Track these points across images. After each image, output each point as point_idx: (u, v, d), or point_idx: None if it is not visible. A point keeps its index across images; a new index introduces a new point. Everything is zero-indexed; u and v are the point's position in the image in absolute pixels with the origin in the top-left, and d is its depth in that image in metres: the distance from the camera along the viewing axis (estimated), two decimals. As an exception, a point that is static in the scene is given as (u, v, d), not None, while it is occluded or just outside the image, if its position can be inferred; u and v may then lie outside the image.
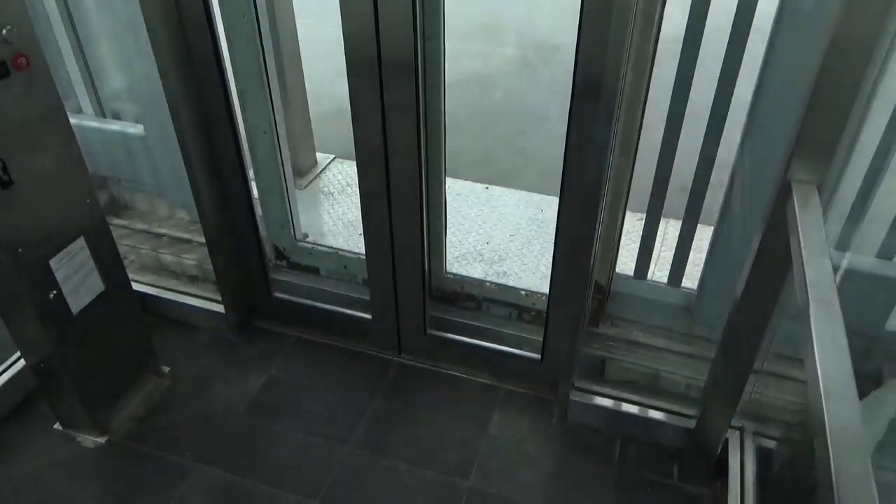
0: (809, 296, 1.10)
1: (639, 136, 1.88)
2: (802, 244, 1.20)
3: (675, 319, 2.22)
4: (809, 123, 1.29)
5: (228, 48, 2.04)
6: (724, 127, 1.81)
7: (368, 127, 1.89)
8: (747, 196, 1.84)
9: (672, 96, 1.81)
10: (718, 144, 1.84)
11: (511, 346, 2.26)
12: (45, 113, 1.69)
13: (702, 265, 2.08)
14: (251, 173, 2.28)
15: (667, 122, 1.86)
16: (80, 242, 1.86)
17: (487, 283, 2.34)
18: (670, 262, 2.15)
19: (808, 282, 1.12)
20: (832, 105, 1.25)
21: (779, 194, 1.35)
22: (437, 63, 1.88)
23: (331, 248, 2.49)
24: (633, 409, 2.06)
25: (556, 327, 2.08)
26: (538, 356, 2.18)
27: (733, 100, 1.76)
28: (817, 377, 0.98)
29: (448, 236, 2.29)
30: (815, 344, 1.02)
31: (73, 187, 1.81)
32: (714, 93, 1.76)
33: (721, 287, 1.98)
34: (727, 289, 1.68)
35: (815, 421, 0.97)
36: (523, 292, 2.31)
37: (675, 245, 2.11)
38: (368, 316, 2.32)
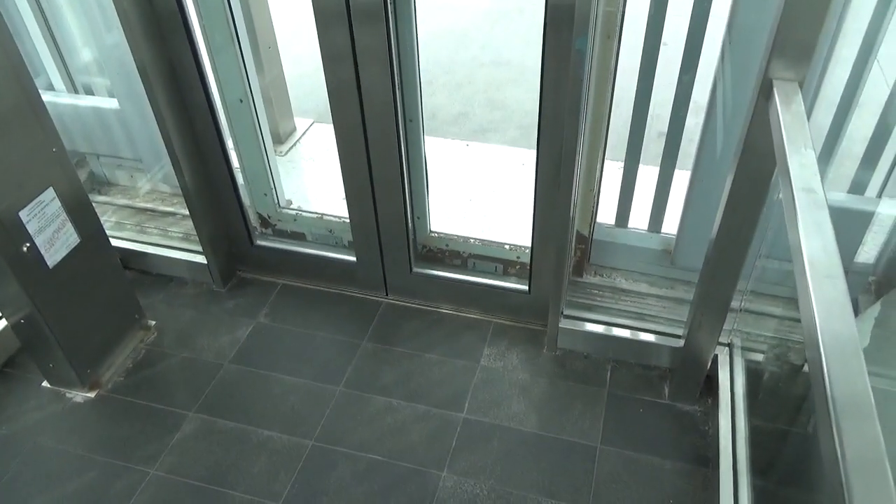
0: (793, 185, 1.09)
1: (614, 79, 1.85)
2: (786, 139, 1.19)
3: (655, 264, 2.26)
4: (788, 19, 1.26)
5: (196, 12, 1.98)
6: (700, 51, 1.79)
7: (341, 76, 1.87)
8: (728, 112, 1.83)
9: (646, 30, 1.78)
10: (696, 72, 1.82)
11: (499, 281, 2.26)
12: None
13: (680, 209, 2.09)
14: (230, 142, 2.26)
15: (641, 60, 1.85)
16: (50, 193, 1.81)
17: (472, 240, 2.34)
18: (650, 209, 2.17)
19: (791, 173, 1.11)
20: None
21: (760, 93, 1.32)
22: (408, 8, 1.83)
23: (315, 213, 2.47)
24: (622, 333, 2.08)
25: (542, 255, 2.06)
26: (526, 287, 2.17)
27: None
28: (804, 263, 0.97)
29: (431, 195, 2.29)
30: (800, 231, 1.01)
31: (35, 135, 1.75)
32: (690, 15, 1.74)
33: (699, 228, 2.00)
34: (705, 229, 1.69)
35: (804, 308, 0.97)
36: (507, 246, 2.30)
37: (654, 191, 2.13)
38: (353, 258, 2.30)
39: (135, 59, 1.90)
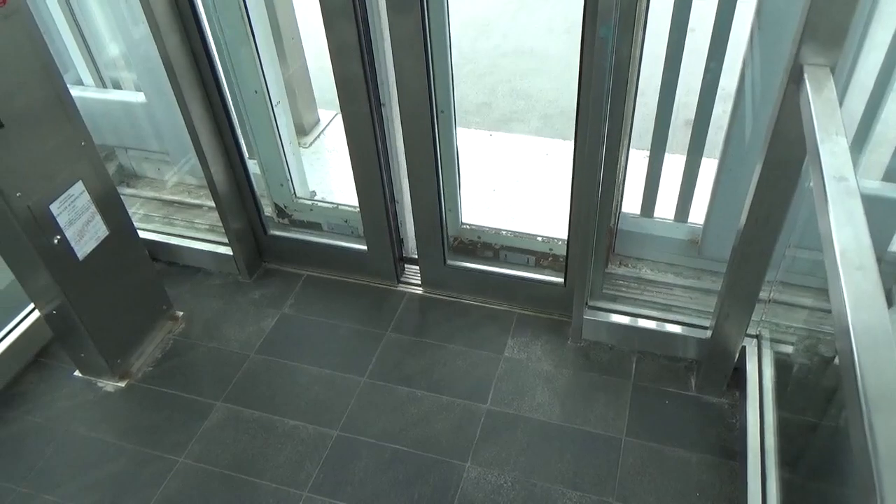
0: (824, 174, 1.06)
1: (639, 66, 1.82)
2: (816, 126, 1.16)
3: (682, 254, 2.23)
4: (819, 2, 1.22)
5: (211, 3, 2.00)
6: (728, 36, 1.75)
7: (348, 68, 1.87)
8: (757, 99, 1.79)
9: (672, 16, 1.75)
10: (723, 58, 1.78)
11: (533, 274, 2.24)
12: (28, 51, 1.65)
13: (708, 198, 2.06)
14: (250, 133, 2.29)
15: (668, 45, 1.80)
16: (80, 186, 1.84)
17: (504, 232, 2.32)
18: (676, 198, 2.13)
19: (822, 161, 1.08)
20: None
21: (790, 80, 1.29)
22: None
23: (330, 203, 2.49)
24: (648, 324, 2.06)
25: (577, 251, 2.03)
26: (561, 280, 2.15)
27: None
28: (835, 253, 0.95)
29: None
30: (831, 220, 0.98)
31: (64, 129, 1.78)
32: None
33: (727, 217, 1.97)
34: (733, 218, 1.66)
35: (835, 300, 0.94)
36: (540, 238, 2.28)
37: (680, 180, 2.09)
38: (364, 248, 2.33)
39: (159, 53, 1.92)
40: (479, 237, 2.35)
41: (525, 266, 2.31)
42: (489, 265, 2.29)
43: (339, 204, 2.46)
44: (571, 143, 2.95)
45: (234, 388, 2.06)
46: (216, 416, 1.99)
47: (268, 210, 2.48)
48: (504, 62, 4.12)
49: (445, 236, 2.22)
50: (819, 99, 1.20)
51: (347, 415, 1.97)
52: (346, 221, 2.45)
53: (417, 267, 2.37)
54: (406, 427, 1.93)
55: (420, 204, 2.13)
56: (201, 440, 1.93)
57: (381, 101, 1.99)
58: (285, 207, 2.51)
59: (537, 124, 3.48)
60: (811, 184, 1.17)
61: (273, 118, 2.26)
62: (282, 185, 2.44)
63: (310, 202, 2.48)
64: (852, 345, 0.85)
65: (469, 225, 2.34)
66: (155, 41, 1.90)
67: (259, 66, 2.11)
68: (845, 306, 0.88)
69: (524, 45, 4.27)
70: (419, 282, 2.37)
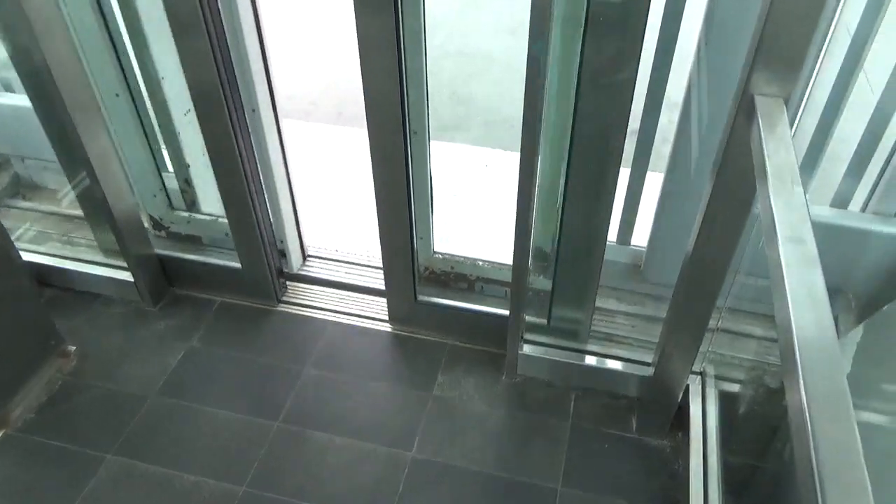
0: (779, 234, 0.91)
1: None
2: (769, 168, 1.02)
3: (624, 279, 2.11)
4: (773, 25, 1.07)
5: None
6: (674, 49, 1.61)
7: (202, 76, 1.69)
8: (704, 126, 1.66)
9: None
10: (669, 69, 1.64)
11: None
12: None
13: (650, 220, 1.94)
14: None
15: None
16: (-57, 211, 1.58)
17: (480, 262, 2.11)
18: (619, 218, 2.01)
19: (776, 217, 0.93)
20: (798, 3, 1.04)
21: (739, 111, 1.14)
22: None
23: (209, 215, 2.26)
24: (587, 359, 1.90)
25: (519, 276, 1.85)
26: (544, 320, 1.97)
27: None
28: (792, 334, 0.80)
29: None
30: (788, 293, 0.83)
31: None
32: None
33: (672, 239, 1.84)
34: (678, 242, 1.52)
35: (789, 384, 0.79)
36: None
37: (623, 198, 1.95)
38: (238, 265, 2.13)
39: (34, 56, 1.67)
40: (452, 267, 2.14)
41: (504, 299, 2.07)
42: (462, 301, 2.06)
43: (217, 216, 2.24)
44: (513, 154, 2.80)
45: (128, 438, 1.83)
46: (106, 471, 1.75)
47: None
48: (446, 64, 3.91)
49: (416, 268, 2.00)
50: (772, 138, 1.05)
51: (257, 467, 1.76)
52: (227, 235, 2.21)
53: (301, 284, 2.22)
54: (323, 480, 1.73)
55: (389, 233, 1.90)
56: (87, 501, 1.70)
57: (252, 108, 1.83)
58: (161, 220, 2.27)
59: (478, 133, 3.29)
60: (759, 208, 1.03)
61: (141, 124, 2.04)
62: (155, 195, 2.21)
63: (186, 214, 2.26)
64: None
65: (442, 254, 2.13)
66: (30, 42, 1.65)
67: (119, 67, 1.90)
68: (806, 412, 0.72)
69: (468, 45, 4.07)
70: (331, 308, 2.18)
